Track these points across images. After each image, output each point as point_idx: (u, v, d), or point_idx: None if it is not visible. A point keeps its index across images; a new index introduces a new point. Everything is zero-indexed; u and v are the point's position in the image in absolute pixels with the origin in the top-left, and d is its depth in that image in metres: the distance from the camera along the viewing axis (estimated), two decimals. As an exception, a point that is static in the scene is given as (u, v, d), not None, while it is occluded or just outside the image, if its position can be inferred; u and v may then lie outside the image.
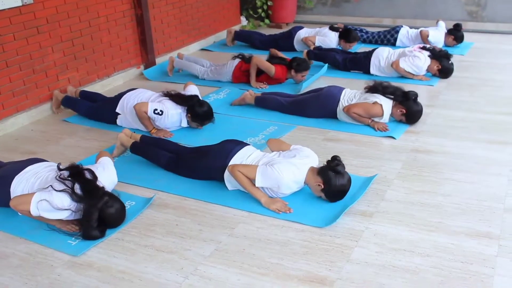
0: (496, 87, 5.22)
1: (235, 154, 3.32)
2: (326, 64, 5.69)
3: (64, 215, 2.87)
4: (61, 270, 2.65)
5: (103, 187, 2.92)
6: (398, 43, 6.61)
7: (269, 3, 7.95)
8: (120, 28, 5.64)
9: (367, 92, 4.36)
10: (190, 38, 6.88)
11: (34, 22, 4.65)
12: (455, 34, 6.46)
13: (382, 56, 5.49)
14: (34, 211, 2.81)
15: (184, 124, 4.31)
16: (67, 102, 4.76)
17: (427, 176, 3.50)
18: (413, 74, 5.37)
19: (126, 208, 3.01)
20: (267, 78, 5.34)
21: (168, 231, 2.94)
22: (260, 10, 8.03)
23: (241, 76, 5.42)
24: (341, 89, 4.49)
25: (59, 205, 2.80)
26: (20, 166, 3.18)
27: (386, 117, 4.25)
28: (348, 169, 3.51)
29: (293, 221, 2.98)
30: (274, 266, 2.61)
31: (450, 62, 5.42)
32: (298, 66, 5.24)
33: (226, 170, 3.27)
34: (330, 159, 3.15)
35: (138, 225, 3.01)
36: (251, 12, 8.23)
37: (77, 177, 2.91)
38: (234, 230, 2.92)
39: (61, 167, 3.04)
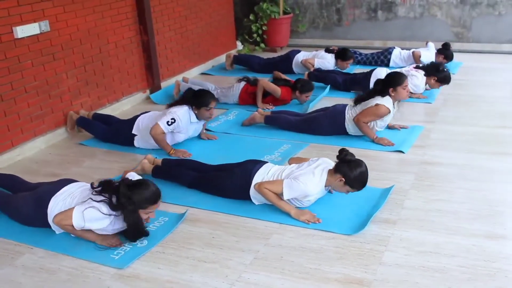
0: (489, 102, 5.52)
1: (256, 173, 3.51)
2: (329, 85, 5.93)
3: (105, 223, 3.00)
4: (110, 282, 2.78)
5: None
6: (391, 63, 6.90)
7: (263, 28, 8.24)
8: (127, 54, 5.83)
9: (358, 104, 4.58)
10: (191, 62, 7.10)
11: (50, 49, 4.81)
12: (445, 53, 6.77)
13: (381, 75, 5.74)
14: (77, 223, 2.97)
15: (194, 119, 4.47)
16: (82, 123, 4.91)
17: (440, 186, 3.72)
18: (412, 93, 5.64)
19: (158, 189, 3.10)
20: (273, 100, 5.56)
21: (206, 243, 3.09)
22: (255, 35, 8.31)
23: (248, 98, 5.63)
24: (345, 105, 4.72)
25: (99, 213, 2.96)
26: (54, 187, 3.31)
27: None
28: (365, 182, 3.74)
29: (323, 230, 3.16)
30: (313, 271, 2.79)
31: (443, 69, 5.68)
32: (303, 87, 5.47)
33: (252, 188, 3.45)
34: (338, 153, 3.37)
35: (176, 239, 3.15)
36: (247, 37, 8.50)
37: (113, 190, 3.05)
38: (269, 240, 3.09)
39: (94, 185, 3.17)
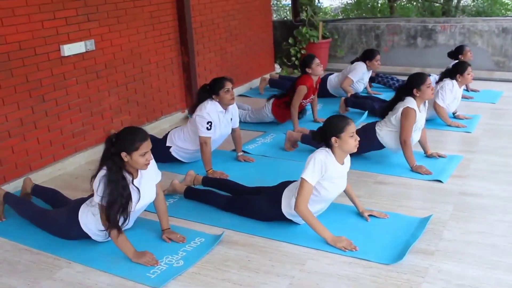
0: (531, 134, 5.40)
1: (285, 188, 3.54)
2: (366, 111, 5.91)
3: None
4: (146, 300, 2.81)
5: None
6: None
7: (302, 51, 8.29)
8: (168, 74, 5.94)
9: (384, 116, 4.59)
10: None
11: (95, 67, 4.95)
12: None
13: None
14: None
15: (220, 108, 4.45)
16: None
17: (479, 217, 3.64)
18: (449, 118, 5.57)
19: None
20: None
21: (242, 266, 3.10)
22: (294, 58, 8.36)
23: (282, 110, 5.67)
24: (374, 122, 4.75)
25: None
26: (85, 198, 3.39)
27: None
28: (402, 211, 3.76)
29: (360, 258, 3.13)
30: (350, 299, 2.76)
31: (457, 63, 5.71)
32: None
33: (284, 205, 3.46)
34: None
35: (212, 260, 3.16)
36: (285, 60, 8.56)
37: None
38: (305, 266, 3.07)
39: None
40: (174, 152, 4.66)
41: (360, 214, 3.65)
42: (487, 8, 13.50)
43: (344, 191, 3.58)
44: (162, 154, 4.64)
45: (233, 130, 4.76)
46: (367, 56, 6.58)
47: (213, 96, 4.45)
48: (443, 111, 5.56)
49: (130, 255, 3.12)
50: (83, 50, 4.77)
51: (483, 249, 3.23)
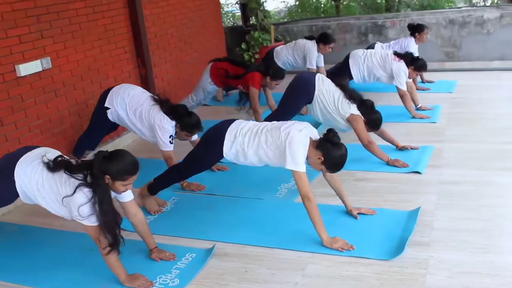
0: (491, 119, 5.54)
1: (227, 128, 3.49)
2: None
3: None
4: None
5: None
6: None
7: (256, 56, 8.25)
8: (127, 88, 5.74)
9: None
10: (187, 93, 7.01)
11: (52, 86, 4.72)
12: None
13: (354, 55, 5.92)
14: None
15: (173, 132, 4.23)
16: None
17: (462, 204, 3.69)
18: (413, 107, 5.72)
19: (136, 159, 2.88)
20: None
21: (240, 278, 2.99)
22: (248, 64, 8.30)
23: (221, 77, 5.68)
24: (313, 74, 4.80)
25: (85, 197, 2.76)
26: (14, 155, 3.12)
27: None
28: (388, 205, 3.75)
29: (359, 257, 3.08)
30: (358, 300, 2.70)
31: (417, 58, 5.79)
32: (275, 73, 5.43)
33: (227, 143, 3.46)
34: (326, 131, 3.32)
35: (208, 276, 3.04)
36: (239, 66, 8.49)
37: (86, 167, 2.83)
38: (306, 271, 3.00)
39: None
40: (110, 114, 4.44)
41: (348, 213, 3.62)
42: (432, 1, 13.94)
43: (333, 187, 3.55)
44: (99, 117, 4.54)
45: (194, 142, 4.46)
46: (322, 39, 6.52)
47: (177, 125, 4.20)
48: (408, 98, 5.63)
49: (122, 278, 2.94)
50: (40, 69, 4.53)
51: (473, 235, 3.26)
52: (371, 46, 6.86)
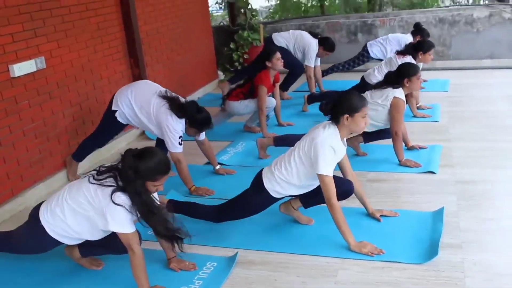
0: (491, 117, 5.51)
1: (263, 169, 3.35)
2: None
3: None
4: None
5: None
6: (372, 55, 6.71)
7: (245, 56, 8.09)
8: (120, 89, 5.51)
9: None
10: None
11: (47, 87, 4.47)
12: (420, 33, 6.45)
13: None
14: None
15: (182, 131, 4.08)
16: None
17: (484, 203, 3.61)
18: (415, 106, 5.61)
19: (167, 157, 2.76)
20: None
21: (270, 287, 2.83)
22: (237, 64, 8.13)
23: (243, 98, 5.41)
24: None
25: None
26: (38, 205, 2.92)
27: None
28: (408, 206, 3.64)
29: (391, 261, 2.95)
30: (400, 307, 2.57)
31: (422, 41, 5.66)
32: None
33: (266, 181, 3.24)
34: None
35: (236, 286, 2.87)
36: (228, 66, 8.31)
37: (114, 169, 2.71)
38: (337, 278, 2.86)
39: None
40: (119, 116, 4.27)
41: (370, 215, 3.49)
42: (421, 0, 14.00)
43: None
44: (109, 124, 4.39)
45: (201, 142, 4.37)
46: (325, 45, 6.38)
47: (186, 121, 4.04)
48: (411, 96, 5.53)
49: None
50: (34, 69, 4.28)
51: (501, 235, 3.19)
52: (365, 49, 6.74)
